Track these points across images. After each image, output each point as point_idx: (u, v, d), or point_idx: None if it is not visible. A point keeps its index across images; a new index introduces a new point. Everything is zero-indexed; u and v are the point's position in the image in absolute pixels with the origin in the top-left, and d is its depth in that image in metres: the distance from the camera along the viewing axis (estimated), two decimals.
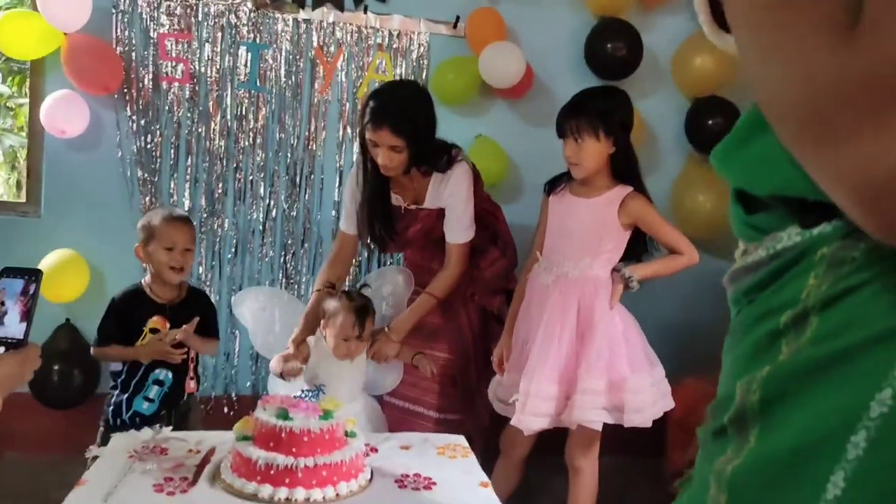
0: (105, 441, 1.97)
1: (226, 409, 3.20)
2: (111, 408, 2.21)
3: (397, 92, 2.32)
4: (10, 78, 5.34)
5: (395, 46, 3.26)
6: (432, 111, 2.32)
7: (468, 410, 2.54)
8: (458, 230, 2.39)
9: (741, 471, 0.48)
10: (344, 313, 2.15)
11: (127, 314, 2.22)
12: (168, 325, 2.21)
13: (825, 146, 0.38)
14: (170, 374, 2.22)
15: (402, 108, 2.21)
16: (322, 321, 2.23)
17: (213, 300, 2.64)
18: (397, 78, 3.24)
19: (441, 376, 2.43)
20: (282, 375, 2.19)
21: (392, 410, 2.48)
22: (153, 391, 2.20)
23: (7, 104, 5.63)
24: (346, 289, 2.46)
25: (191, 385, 2.27)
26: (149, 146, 3.08)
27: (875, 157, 0.35)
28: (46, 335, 2.94)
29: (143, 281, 2.28)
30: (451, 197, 2.36)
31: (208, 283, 3.15)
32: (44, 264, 2.87)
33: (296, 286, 3.25)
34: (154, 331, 2.20)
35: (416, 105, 2.27)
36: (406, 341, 2.36)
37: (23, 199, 3.15)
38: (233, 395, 3.23)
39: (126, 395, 2.20)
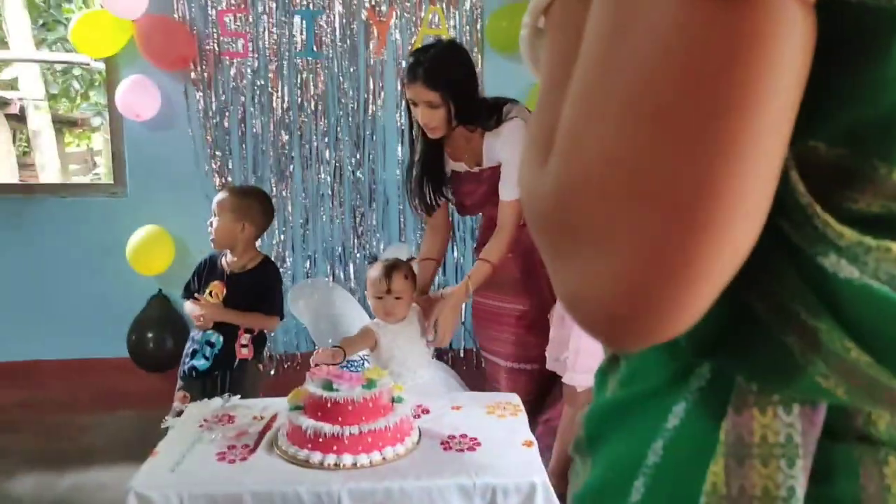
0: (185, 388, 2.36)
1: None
2: (182, 361, 2.43)
3: (430, 49, 2.32)
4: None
5: None
6: (470, 68, 2.30)
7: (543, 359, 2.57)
8: (510, 186, 2.37)
9: (576, 498, 0.52)
10: (372, 273, 2.21)
11: (199, 277, 2.43)
12: (224, 291, 2.36)
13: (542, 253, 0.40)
14: (220, 338, 2.36)
15: (433, 63, 2.21)
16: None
17: (284, 273, 2.76)
18: (451, 31, 3.22)
19: (517, 328, 2.47)
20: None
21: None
22: (207, 350, 2.36)
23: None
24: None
25: (242, 352, 2.38)
26: (217, 121, 3.22)
27: (564, 277, 0.37)
28: (141, 306, 3.20)
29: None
30: (503, 151, 2.34)
31: (281, 250, 3.31)
32: (133, 240, 3.10)
33: (367, 246, 3.36)
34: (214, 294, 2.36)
35: (450, 59, 2.26)
36: (476, 298, 2.42)
37: (111, 180, 3.38)
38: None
39: (190, 350, 2.40)
